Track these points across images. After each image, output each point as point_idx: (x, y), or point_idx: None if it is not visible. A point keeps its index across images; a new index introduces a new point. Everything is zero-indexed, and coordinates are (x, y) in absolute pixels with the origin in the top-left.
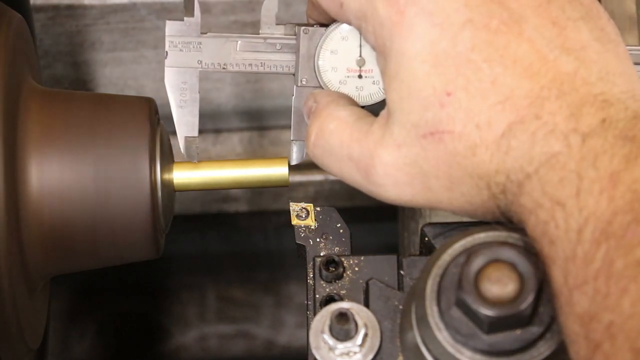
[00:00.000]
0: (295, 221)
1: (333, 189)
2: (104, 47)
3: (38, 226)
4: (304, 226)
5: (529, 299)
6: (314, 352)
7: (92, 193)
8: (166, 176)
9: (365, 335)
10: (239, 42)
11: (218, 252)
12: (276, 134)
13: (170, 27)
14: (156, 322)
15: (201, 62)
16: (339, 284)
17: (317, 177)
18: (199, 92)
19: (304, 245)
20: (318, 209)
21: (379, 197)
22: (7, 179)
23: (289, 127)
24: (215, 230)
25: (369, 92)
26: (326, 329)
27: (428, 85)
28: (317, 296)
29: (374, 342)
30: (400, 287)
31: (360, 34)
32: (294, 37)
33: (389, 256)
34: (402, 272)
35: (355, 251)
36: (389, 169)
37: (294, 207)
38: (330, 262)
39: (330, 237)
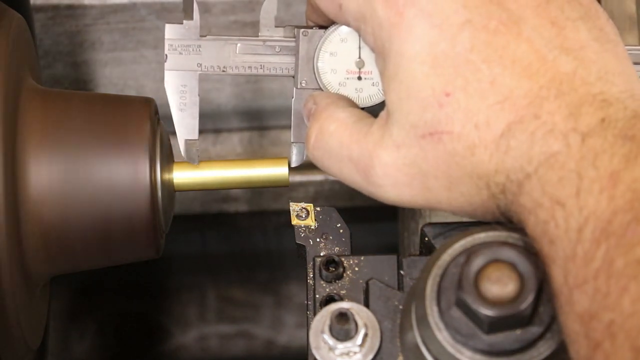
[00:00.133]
0: (295, 221)
1: (333, 189)
2: (104, 47)
3: (38, 226)
4: (304, 226)
5: (529, 299)
6: (314, 352)
7: (92, 193)
8: (166, 176)
9: (365, 335)
10: (239, 44)
11: (218, 252)
12: (276, 134)
13: (170, 30)
14: (156, 322)
15: (201, 64)
16: (339, 284)
17: (317, 177)
18: (198, 95)
19: (304, 245)
20: (318, 209)
21: (379, 198)
22: (7, 179)
23: (289, 127)
24: (215, 230)
25: (369, 94)
26: (326, 329)
27: (427, 85)
28: (317, 296)
29: (374, 342)
30: (400, 287)
31: (360, 35)
32: (293, 39)
33: (389, 256)
34: (402, 272)
35: (355, 251)
36: (388, 169)
37: (294, 207)
38: (330, 262)
39: (330, 237)
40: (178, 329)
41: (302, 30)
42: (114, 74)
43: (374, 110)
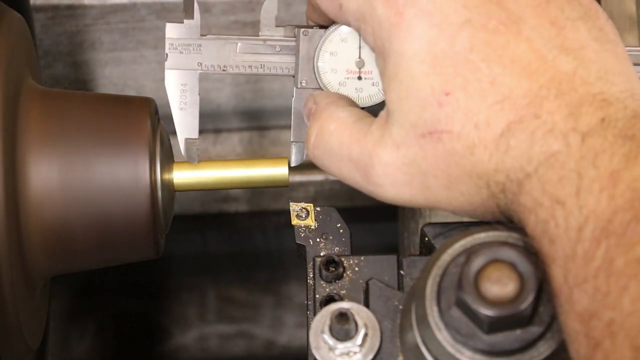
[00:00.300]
0: (295, 221)
1: (333, 189)
2: (104, 47)
3: (38, 226)
4: (304, 226)
5: (529, 298)
6: (314, 352)
7: (92, 193)
8: (166, 176)
9: (365, 335)
10: (239, 44)
11: (218, 252)
12: (276, 134)
13: (170, 29)
14: (156, 322)
15: (201, 64)
16: (339, 284)
17: (317, 177)
18: (199, 94)
19: (304, 245)
20: (318, 209)
21: (379, 197)
22: (7, 179)
23: (289, 127)
24: (215, 230)
25: (369, 94)
26: (326, 329)
27: (426, 85)
28: (317, 296)
29: (374, 342)
30: (400, 287)
31: (360, 35)
32: (294, 39)
33: (389, 256)
34: (402, 272)
35: (355, 251)
36: (388, 168)
37: (294, 207)
38: (330, 262)
39: (330, 237)
40: (178, 329)
41: (302, 29)
42: (114, 74)
43: (374, 110)
